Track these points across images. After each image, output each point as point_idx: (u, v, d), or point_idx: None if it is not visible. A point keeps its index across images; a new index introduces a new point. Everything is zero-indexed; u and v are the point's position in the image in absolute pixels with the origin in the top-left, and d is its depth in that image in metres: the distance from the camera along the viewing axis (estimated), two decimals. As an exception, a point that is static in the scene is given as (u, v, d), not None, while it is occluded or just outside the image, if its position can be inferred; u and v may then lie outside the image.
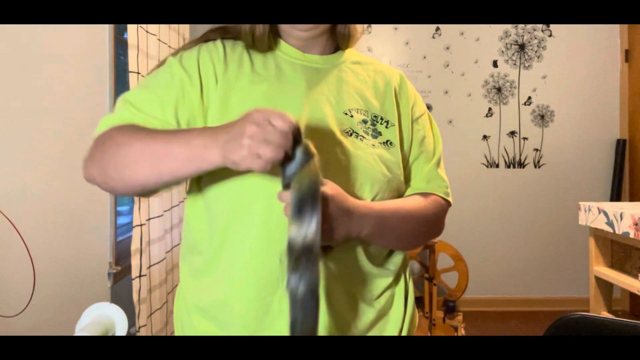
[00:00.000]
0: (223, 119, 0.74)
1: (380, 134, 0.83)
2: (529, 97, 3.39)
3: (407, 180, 0.86)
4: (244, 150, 0.60)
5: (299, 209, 0.59)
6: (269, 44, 0.83)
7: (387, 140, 0.83)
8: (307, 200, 0.59)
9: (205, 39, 0.85)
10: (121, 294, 1.96)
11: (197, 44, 0.84)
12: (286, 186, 0.64)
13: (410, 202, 0.83)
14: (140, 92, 0.78)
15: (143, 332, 1.82)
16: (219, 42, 0.83)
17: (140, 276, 1.81)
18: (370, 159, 0.79)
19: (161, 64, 0.83)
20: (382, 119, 0.85)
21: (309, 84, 0.82)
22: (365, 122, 0.83)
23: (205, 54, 0.81)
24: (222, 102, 0.77)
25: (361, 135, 0.80)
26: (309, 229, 0.58)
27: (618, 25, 3.33)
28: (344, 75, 0.86)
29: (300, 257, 0.58)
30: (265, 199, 0.73)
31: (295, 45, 0.85)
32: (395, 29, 3.40)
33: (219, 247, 0.77)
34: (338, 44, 0.89)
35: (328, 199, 0.66)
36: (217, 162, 0.64)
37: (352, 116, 0.82)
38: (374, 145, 0.81)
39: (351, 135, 0.79)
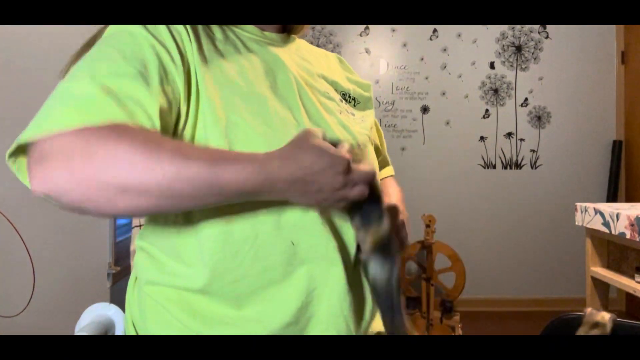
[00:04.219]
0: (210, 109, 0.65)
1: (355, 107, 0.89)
2: (526, 99, 3.40)
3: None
4: (323, 194, 0.59)
5: (383, 249, 0.63)
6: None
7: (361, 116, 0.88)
8: (391, 241, 0.64)
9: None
10: (121, 294, 1.97)
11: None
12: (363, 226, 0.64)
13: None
14: (121, 77, 0.59)
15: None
16: (162, 27, 0.68)
17: (138, 277, 1.81)
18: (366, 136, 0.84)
19: (104, 35, 0.66)
20: (349, 96, 0.88)
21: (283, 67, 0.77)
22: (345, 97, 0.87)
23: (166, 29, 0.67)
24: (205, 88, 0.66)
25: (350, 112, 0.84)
26: (394, 270, 0.64)
27: (614, 27, 3.35)
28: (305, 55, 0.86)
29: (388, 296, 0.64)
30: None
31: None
32: (393, 30, 3.41)
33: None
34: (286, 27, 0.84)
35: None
36: (269, 196, 0.59)
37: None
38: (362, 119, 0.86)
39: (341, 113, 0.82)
